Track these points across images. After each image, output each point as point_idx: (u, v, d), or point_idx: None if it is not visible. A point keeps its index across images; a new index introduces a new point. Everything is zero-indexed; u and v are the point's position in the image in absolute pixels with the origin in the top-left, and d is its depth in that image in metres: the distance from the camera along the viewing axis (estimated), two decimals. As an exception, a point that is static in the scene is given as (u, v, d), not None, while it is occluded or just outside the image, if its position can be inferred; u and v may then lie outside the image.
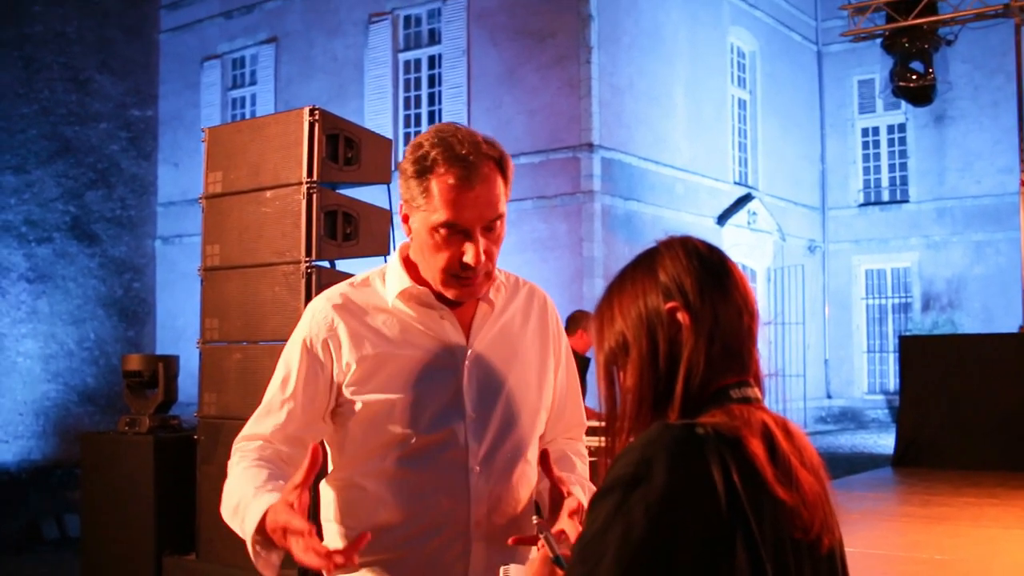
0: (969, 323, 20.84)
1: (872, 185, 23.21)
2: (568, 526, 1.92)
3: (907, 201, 22.49)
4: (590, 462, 2.34)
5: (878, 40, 15.84)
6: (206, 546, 5.13)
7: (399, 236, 5.23)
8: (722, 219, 19.18)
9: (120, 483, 5.61)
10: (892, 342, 21.30)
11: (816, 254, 22.75)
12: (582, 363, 6.61)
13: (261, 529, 1.88)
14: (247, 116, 19.70)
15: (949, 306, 21.61)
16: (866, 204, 23.09)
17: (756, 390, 1.47)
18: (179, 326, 19.09)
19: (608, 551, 1.29)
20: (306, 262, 4.76)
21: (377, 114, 18.01)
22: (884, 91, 18.40)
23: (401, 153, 17.16)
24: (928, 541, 6.05)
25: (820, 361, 22.41)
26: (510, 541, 1.92)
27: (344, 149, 4.99)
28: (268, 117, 5.49)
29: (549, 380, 2.24)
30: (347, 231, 4.96)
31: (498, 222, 2.04)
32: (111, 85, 20.23)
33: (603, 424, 1.53)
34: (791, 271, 20.65)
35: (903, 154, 22.67)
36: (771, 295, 20.32)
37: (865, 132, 23.30)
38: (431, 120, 17.76)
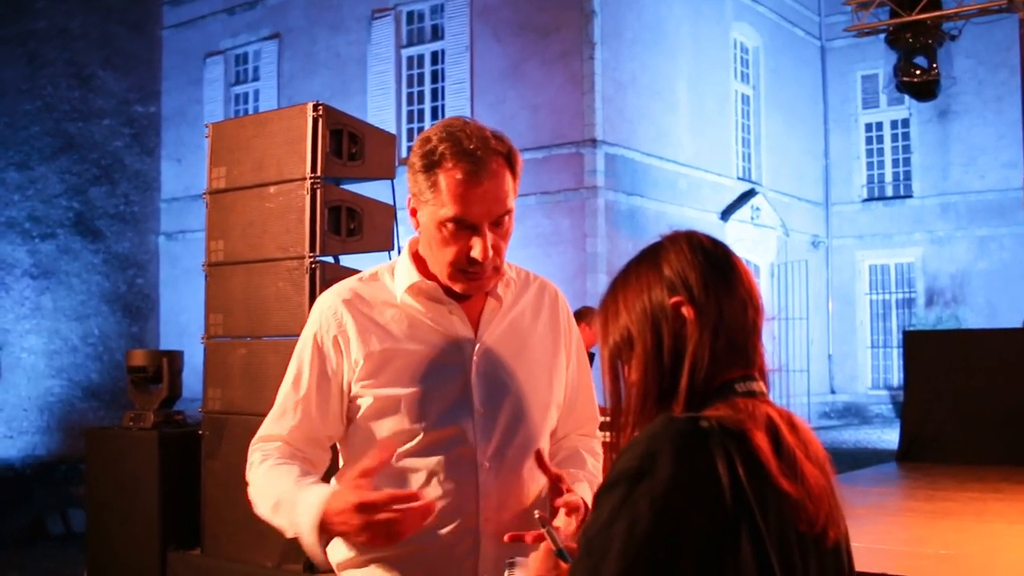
0: (973, 318, 20.80)
1: (876, 180, 23.18)
2: (563, 522, 1.92)
3: (911, 196, 22.46)
4: None
5: (881, 35, 15.80)
6: (211, 541, 5.14)
7: (403, 231, 5.24)
8: (725, 214, 19.17)
9: (125, 478, 5.62)
10: (896, 337, 21.26)
11: (820, 249, 22.73)
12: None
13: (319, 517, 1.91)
14: (250, 112, 19.70)
15: (953, 301, 21.58)
16: (870, 199, 23.06)
17: (761, 384, 1.47)
18: (182, 322, 19.09)
19: (613, 544, 1.29)
20: (310, 257, 4.76)
21: (380, 110, 18.00)
22: (888, 86, 18.35)
23: (404, 149, 17.19)
24: (933, 536, 6.04)
25: (824, 356, 22.40)
26: (506, 538, 1.91)
27: (348, 144, 4.99)
28: (272, 112, 5.49)
29: (560, 375, 2.23)
30: (351, 226, 4.96)
31: (506, 217, 2.03)
32: (114, 81, 20.23)
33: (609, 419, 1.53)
34: (794, 266, 20.63)
35: (907, 149, 22.62)
36: (774, 291, 20.29)
37: (869, 127, 23.25)
38: (434, 116, 17.75)
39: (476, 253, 1.99)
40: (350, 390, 2.09)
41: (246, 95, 20.86)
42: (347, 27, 19.00)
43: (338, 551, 2.13)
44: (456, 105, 17.16)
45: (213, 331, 5.17)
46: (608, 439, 1.51)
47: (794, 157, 21.98)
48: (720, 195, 19.22)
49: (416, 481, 2.05)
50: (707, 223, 18.00)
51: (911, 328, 18.54)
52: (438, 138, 2.00)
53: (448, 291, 2.11)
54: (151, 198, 21.00)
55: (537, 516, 1.65)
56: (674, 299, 1.46)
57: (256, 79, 20.64)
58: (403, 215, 4.91)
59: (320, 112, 4.86)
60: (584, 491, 2.09)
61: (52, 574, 9.09)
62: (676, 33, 18.17)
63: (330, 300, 2.14)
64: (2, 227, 17.97)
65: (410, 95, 18.45)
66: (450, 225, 1.99)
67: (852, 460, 12.81)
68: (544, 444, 2.19)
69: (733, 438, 1.34)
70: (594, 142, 16.04)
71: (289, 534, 1.99)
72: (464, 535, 2.05)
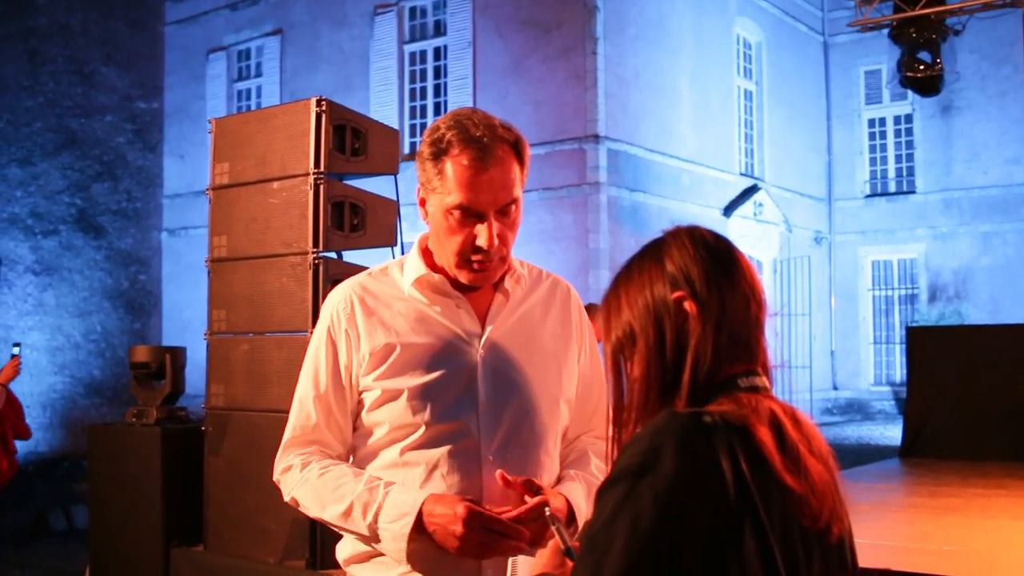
0: (976, 314, 20.77)
1: (879, 176, 23.14)
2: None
3: (914, 192, 22.42)
4: None
5: (885, 30, 15.77)
6: (214, 537, 5.14)
7: (406, 227, 5.24)
8: (728, 210, 19.15)
9: (127, 475, 5.62)
10: (898, 333, 21.26)
11: (822, 245, 22.70)
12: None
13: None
14: (252, 108, 19.69)
15: (956, 297, 21.55)
16: (872, 195, 23.03)
17: (764, 379, 1.47)
18: (185, 318, 19.10)
19: (617, 540, 1.29)
20: (313, 253, 4.75)
21: (383, 106, 18.00)
22: (891, 82, 18.33)
23: (407, 145, 17.18)
24: (936, 532, 6.03)
25: (826, 353, 22.38)
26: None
27: (351, 140, 4.98)
28: (275, 108, 5.48)
29: (571, 369, 2.23)
30: (354, 222, 4.95)
31: (513, 206, 2.04)
32: (116, 77, 20.23)
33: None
34: (797, 262, 20.61)
35: (910, 145, 22.58)
36: (777, 287, 20.28)
37: (872, 123, 23.22)
38: (437, 112, 17.74)
39: (482, 241, 2.00)
40: (359, 384, 2.10)
41: (249, 91, 20.86)
42: (350, 23, 18.99)
43: (345, 547, 2.14)
44: (458, 101, 17.15)
45: (216, 327, 5.16)
46: (611, 434, 1.51)
47: (797, 153, 21.96)
48: (723, 191, 19.21)
49: (419, 474, 2.05)
50: (710, 219, 17.98)
51: (914, 324, 18.53)
52: (446, 126, 2.01)
53: (456, 285, 2.12)
54: (154, 194, 21.01)
55: (547, 514, 1.65)
56: (676, 294, 1.46)
57: (259, 75, 20.63)
58: (406, 211, 4.92)
59: (323, 107, 4.86)
60: (574, 491, 2.09)
61: (55, 570, 9.10)
62: (679, 29, 18.15)
63: (340, 296, 2.16)
64: (4, 223, 17.98)
65: (412, 91, 18.44)
66: (456, 213, 2.00)
67: (855, 456, 12.81)
68: (555, 440, 2.19)
69: (736, 433, 1.33)
70: (597, 138, 16.02)
71: (366, 533, 2.00)
72: None
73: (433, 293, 2.12)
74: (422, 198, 2.09)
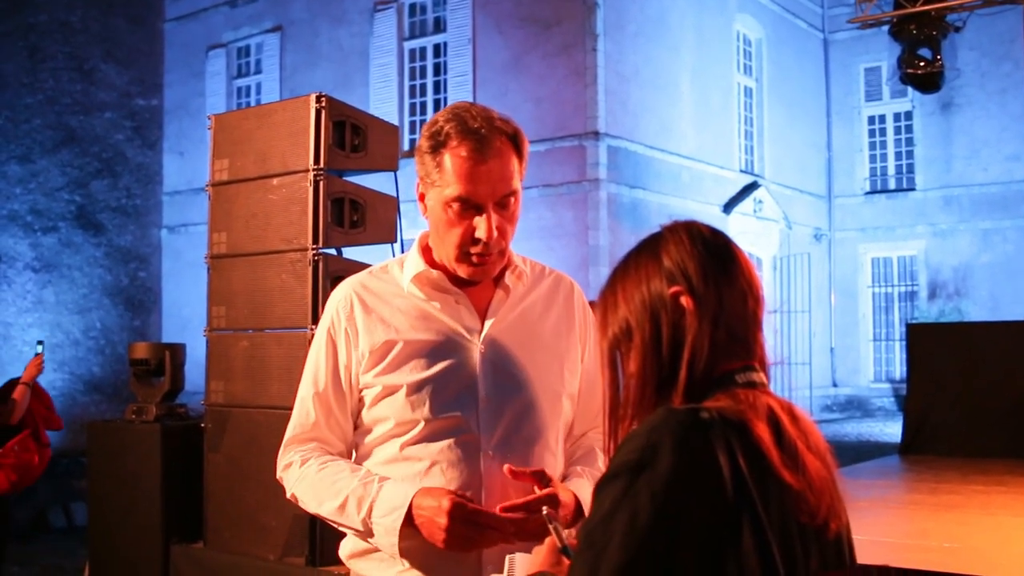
0: (976, 311, 20.78)
1: (878, 173, 23.14)
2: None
3: (913, 189, 22.42)
4: None
5: (885, 27, 15.79)
6: (214, 534, 5.13)
7: (406, 224, 5.24)
8: (728, 207, 19.15)
9: (127, 471, 5.61)
10: (898, 330, 21.26)
11: (822, 242, 22.70)
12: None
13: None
14: (252, 105, 19.68)
15: (956, 294, 21.55)
16: (872, 192, 23.02)
17: (762, 375, 1.46)
18: (184, 315, 19.11)
19: (614, 536, 1.28)
20: (313, 249, 4.75)
21: (382, 102, 17.99)
22: (891, 79, 18.31)
23: (407, 141, 17.15)
24: (936, 529, 6.03)
25: (826, 349, 22.38)
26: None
27: (351, 136, 4.97)
28: (275, 104, 5.46)
29: (574, 365, 2.22)
30: (354, 218, 4.94)
31: (512, 199, 2.04)
32: (116, 74, 20.23)
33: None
34: (797, 259, 20.61)
35: (909, 142, 22.58)
36: (777, 283, 20.28)
37: (871, 120, 23.21)
38: (436, 108, 17.70)
39: (481, 233, 2.00)
40: (359, 382, 2.11)
41: (248, 88, 20.85)
42: (349, 19, 18.98)
43: (347, 543, 2.15)
44: (458, 97, 17.12)
45: (215, 323, 5.15)
46: (607, 429, 1.50)
47: (797, 150, 21.95)
48: (723, 188, 19.20)
49: (420, 469, 2.05)
50: (709, 216, 17.97)
51: (914, 321, 18.52)
52: (444, 119, 2.02)
53: (455, 281, 2.12)
54: (153, 191, 21.01)
55: (545, 512, 1.65)
56: (673, 289, 1.45)
57: (258, 72, 20.62)
58: (406, 207, 4.91)
59: (323, 103, 4.85)
60: (582, 488, 2.08)
61: (54, 567, 9.10)
62: (679, 25, 18.13)
63: (340, 295, 2.17)
64: (4, 220, 17.98)
65: (412, 88, 18.44)
66: (455, 205, 2.00)
67: (854, 453, 12.81)
68: (557, 436, 2.18)
69: (734, 429, 1.33)
70: (597, 135, 16.02)
71: (360, 527, 2.01)
72: None
73: (432, 289, 2.13)
74: (421, 193, 2.10)
